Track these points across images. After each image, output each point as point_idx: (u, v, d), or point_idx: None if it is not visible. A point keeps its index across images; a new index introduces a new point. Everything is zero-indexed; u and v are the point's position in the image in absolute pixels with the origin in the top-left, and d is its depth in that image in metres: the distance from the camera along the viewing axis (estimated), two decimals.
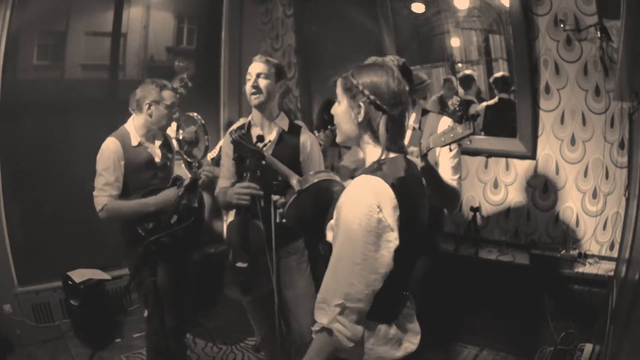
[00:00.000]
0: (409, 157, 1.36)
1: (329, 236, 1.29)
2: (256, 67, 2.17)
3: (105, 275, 3.22)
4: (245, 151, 1.97)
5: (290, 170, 2.07)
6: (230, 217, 2.25)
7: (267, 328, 2.29)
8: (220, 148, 2.41)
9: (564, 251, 2.61)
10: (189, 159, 2.62)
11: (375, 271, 1.18)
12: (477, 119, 2.99)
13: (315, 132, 2.45)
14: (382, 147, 1.26)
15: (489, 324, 2.87)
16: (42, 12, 3.17)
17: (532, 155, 2.84)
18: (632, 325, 1.61)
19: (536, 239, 2.86)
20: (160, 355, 2.40)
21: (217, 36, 4.14)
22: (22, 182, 3.17)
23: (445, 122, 2.02)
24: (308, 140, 2.24)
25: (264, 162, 1.99)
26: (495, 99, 2.97)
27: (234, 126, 2.38)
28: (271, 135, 2.21)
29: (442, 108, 3.15)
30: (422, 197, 1.35)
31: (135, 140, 2.35)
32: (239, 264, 2.09)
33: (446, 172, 2.02)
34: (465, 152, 2.72)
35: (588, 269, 2.54)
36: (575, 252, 2.65)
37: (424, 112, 2.14)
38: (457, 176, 2.06)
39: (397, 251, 1.19)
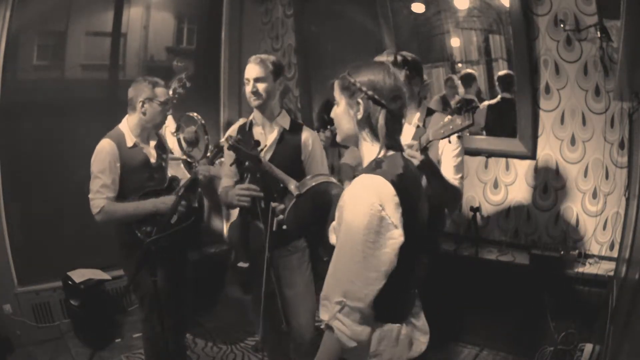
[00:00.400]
0: (405, 154, 1.37)
1: (332, 239, 1.30)
2: (252, 70, 2.15)
3: (105, 275, 3.22)
4: (243, 156, 1.98)
5: (288, 175, 2.05)
6: (234, 216, 2.26)
7: (268, 325, 2.30)
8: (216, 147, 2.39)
9: (564, 251, 2.61)
10: (188, 159, 2.62)
11: (376, 269, 1.18)
12: (476, 110, 2.98)
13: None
14: (381, 142, 1.27)
15: (489, 324, 2.87)
16: (42, 12, 3.17)
17: (532, 155, 2.84)
18: (632, 325, 1.61)
19: (536, 239, 2.86)
20: (159, 356, 2.40)
21: (217, 36, 4.13)
22: (22, 182, 3.16)
23: None
24: (310, 138, 2.23)
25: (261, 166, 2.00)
26: (497, 99, 2.97)
27: (234, 126, 2.37)
28: (272, 135, 2.20)
29: (445, 107, 3.15)
30: (420, 194, 1.36)
31: (130, 141, 2.31)
32: (240, 264, 2.10)
33: (448, 172, 2.02)
34: (465, 152, 2.71)
35: (588, 269, 2.54)
36: (575, 252, 2.65)
37: (430, 112, 2.14)
38: (460, 176, 2.05)
39: (401, 248, 1.20)
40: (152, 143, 2.44)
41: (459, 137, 1.77)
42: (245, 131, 2.25)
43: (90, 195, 2.23)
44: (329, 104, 1.38)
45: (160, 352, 2.37)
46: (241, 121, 2.36)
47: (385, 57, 2.04)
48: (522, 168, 2.91)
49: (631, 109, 2.37)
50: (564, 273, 2.56)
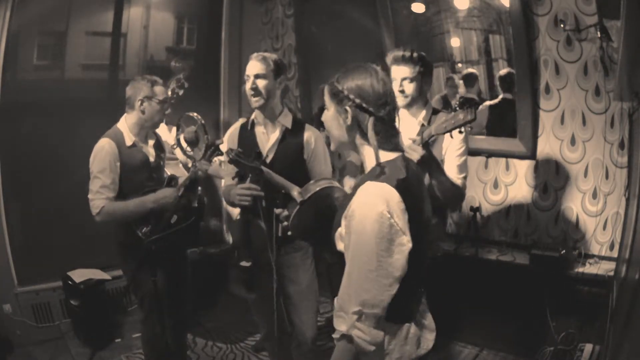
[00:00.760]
0: (406, 151, 1.37)
1: (340, 246, 1.31)
2: (253, 67, 2.12)
3: (105, 275, 3.22)
4: (244, 169, 1.98)
5: (293, 174, 2.05)
6: (234, 216, 2.27)
7: (271, 323, 2.30)
8: (212, 145, 2.39)
9: (564, 251, 2.61)
10: (188, 159, 2.61)
11: (390, 276, 1.19)
12: (478, 106, 2.97)
13: None
14: (374, 149, 1.26)
15: (489, 324, 2.87)
16: (42, 12, 3.17)
17: (532, 155, 2.83)
18: (632, 325, 1.61)
19: (536, 239, 2.86)
20: (159, 356, 2.40)
21: (217, 36, 4.14)
22: (22, 182, 3.17)
23: None
24: (312, 136, 2.21)
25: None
26: (498, 99, 2.96)
27: (236, 125, 2.36)
28: (275, 134, 2.19)
29: (445, 107, 3.15)
30: (423, 194, 1.36)
31: (129, 140, 2.29)
32: (243, 263, 2.10)
33: (452, 171, 2.02)
34: None
35: (588, 269, 2.54)
36: (575, 252, 2.65)
37: (435, 112, 2.15)
38: (463, 175, 2.06)
39: (410, 252, 1.20)
40: (151, 142, 2.43)
41: (460, 132, 1.77)
42: (247, 130, 2.24)
43: (89, 196, 2.20)
44: (323, 109, 1.38)
45: (160, 352, 2.37)
46: (241, 121, 2.35)
47: (402, 52, 2.05)
48: (522, 168, 2.91)
49: (631, 109, 2.37)
50: (564, 273, 2.56)
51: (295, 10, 4.00)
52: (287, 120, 2.21)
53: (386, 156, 1.28)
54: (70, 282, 3.10)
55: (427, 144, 1.80)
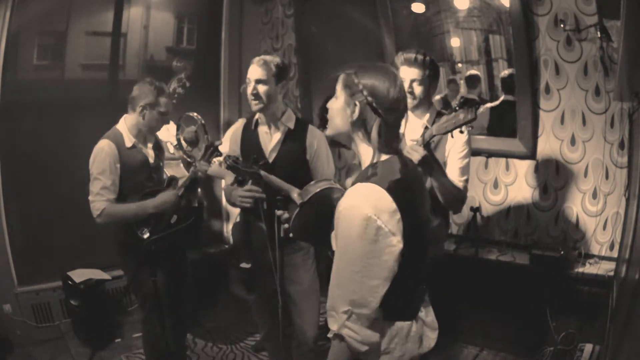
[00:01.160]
0: (406, 152, 1.36)
1: (334, 245, 1.30)
2: (254, 72, 2.11)
3: (105, 275, 3.22)
4: (243, 174, 1.98)
5: (295, 174, 2.05)
6: (234, 216, 2.28)
7: (271, 324, 2.30)
8: (211, 145, 2.39)
9: (564, 251, 2.61)
10: (188, 159, 2.62)
11: (378, 277, 1.18)
12: (479, 106, 2.97)
13: None
14: (374, 150, 1.26)
15: (489, 324, 2.87)
16: (42, 12, 3.17)
17: (532, 155, 2.84)
18: (632, 325, 1.61)
19: (536, 239, 2.86)
20: (159, 357, 2.40)
21: (217, 36, 4.13)
22: (22, 182, 3.16)
23: None
24: (315, 137, 2.21)
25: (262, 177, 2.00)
26: (498, 101, 2.96)
27: (237, 124, 2.36)
28: (277, 135, 2.19)
29: (445, 108, 3.15)
30: (422, 194, 1.35)
31: (129, 141, 2.29)
32: (243, 265, 2.11)
33: (453, 173, 2.01)
34: None
35: (588, 269, 2.54)
36: (575, 252, 2.65)
37: (439, 114, 2.14)
38: (465, 178, 2.04)
39: (406, 251, 1.20)
40: (150, 144, 2.42)
41: (461, 132, 1.76)
42: (251, 130, 2.24)
43: (90, 198, 2.20)
44: (329, 101, 1.37)
45: (161, 352, 2.37)
46: (241, 121, 2.35)
47: (414, 54, 2.04)
48: (522, 168, 2.91)
49: (631, 109, 2.37)
50: (564, 273, 2.56)
51: (295, 10, 4.00)
52: (290, 121, 2.21)
53: (382, 157, 1.28)
54: (70, 282, 3.10)
55: (428, 145, 1.79)
